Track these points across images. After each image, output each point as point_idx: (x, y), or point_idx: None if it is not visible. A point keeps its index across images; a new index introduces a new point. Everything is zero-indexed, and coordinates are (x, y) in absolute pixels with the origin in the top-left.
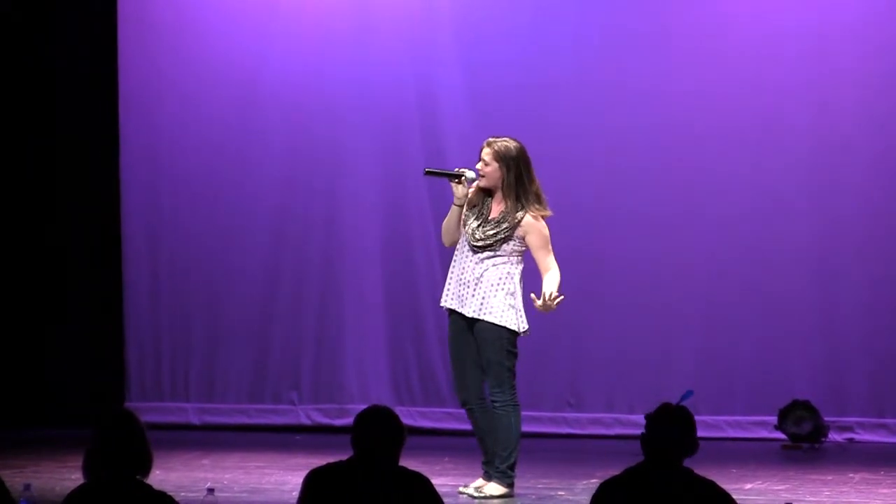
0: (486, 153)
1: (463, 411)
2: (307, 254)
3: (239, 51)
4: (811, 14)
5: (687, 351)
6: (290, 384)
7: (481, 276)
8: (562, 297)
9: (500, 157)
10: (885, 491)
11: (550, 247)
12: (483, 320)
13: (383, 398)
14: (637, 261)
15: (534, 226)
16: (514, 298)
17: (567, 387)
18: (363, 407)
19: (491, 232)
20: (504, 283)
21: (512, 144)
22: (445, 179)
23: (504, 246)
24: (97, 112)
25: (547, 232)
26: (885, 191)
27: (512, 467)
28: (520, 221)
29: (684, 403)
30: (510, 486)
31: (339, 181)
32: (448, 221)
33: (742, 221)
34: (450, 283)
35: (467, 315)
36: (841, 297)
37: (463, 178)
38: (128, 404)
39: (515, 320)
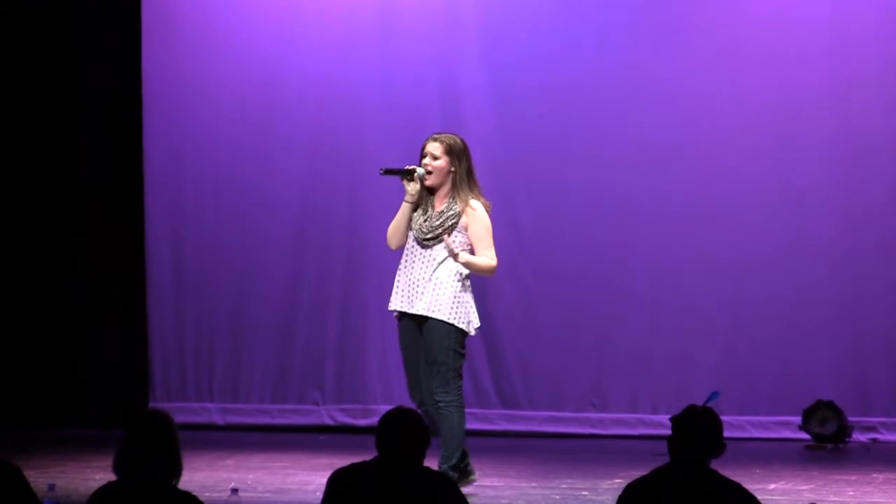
0: (435, 147)
1: (485, 411)
2: (330, 254)
3: (262, 51)
4: (832, 9)
5: (710, 351)
6: (313, 384)
7: (433, 272)
8: (457, 254)
9: (450, 150)
10: None
11: (491, 240)
12: (432, 318)
13: (406, 398)
14: (661, 260)
15: (476, 215)
16: (464, 296)
17: (591, 387)
18: (386, 407)
19: (437, 222)
20: (454, 282)
21: (458, 139)
22: (398, 178)
23: (450, 238)
24: (121, 112)
25: (489, 223)
26: None
27: (455, 468)
28: (464, 210)
29: (711, 405)
30: None
31: (361, 181)
32: (398, 221)
33: (766, 220)
34: (398, 285)
35: (417, 313)
36: (865, 297)
37: (415, 174)
38: (152, 404)
39: (464, 319)
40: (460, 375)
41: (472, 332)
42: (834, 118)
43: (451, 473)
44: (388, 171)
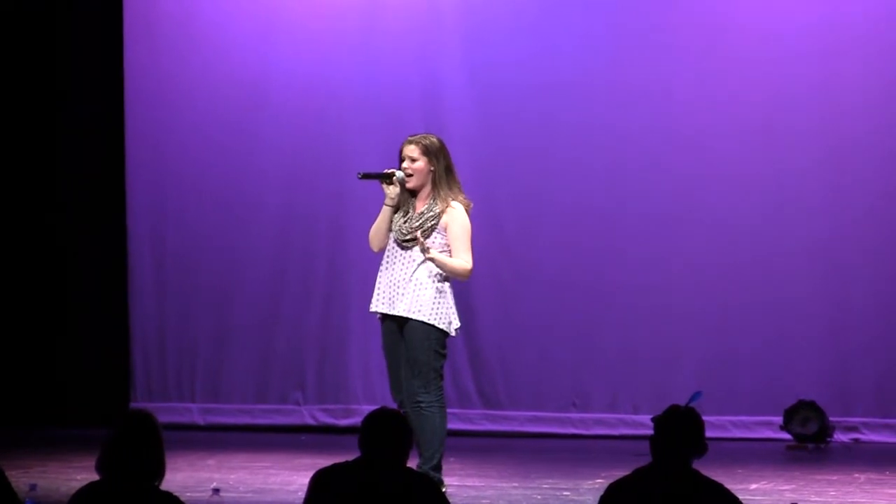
0: (412, 150)
1: (466, 411)
2: (312, 254)
3: (245, 51)
4: (819, 13)
5: (692, 351)
6: (295, 384)
7: (413, 274)
8: (427, 255)
9: (427, 151)
10: (890, 491)
11: (469, 242)
12: (413, 319)
13: (388, 399)
14: (643, 261)
15: (455, 215)
16: (444, 297)
17: (572, 387)
18: (368, 407)
19: (416, 224)
20: (434, 282)
21: (434, 139)
22: (377, 182)
23: (430, 239)
24: (103, 112)
25: (469, 225)
26: (893, 191)
27: (437, 468)
28: (444, 210)
29: (693, 405)
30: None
31: (344, 181)
32: (379, 223)
33: (748, 221)
34: (379, 287)
35: (397, 314)
36: (846, 298)
37: (394, 177)
38: (133, 404)
39: (444, 320)
40: (441, 376)
41: (453, 333)
42: (819, 121)
43: (433, 474)
44: (366, 176)
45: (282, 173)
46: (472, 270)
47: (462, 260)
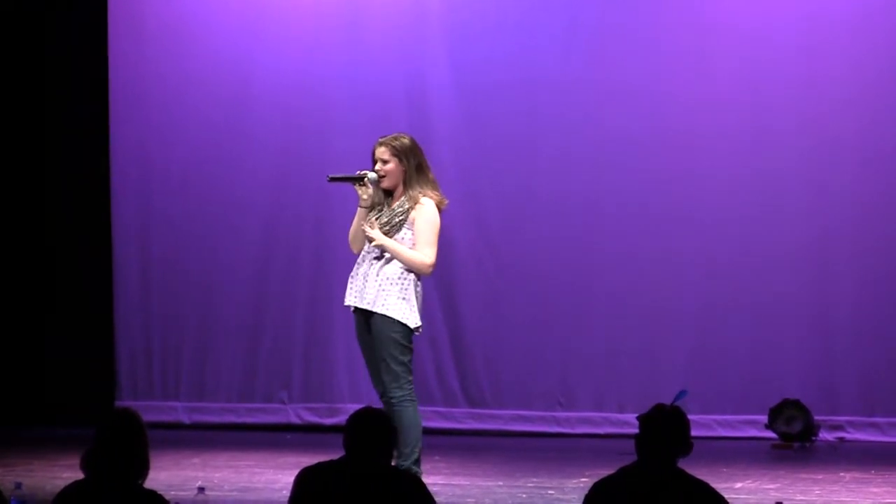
0: (383, 152)
1: (451, 410)
2: (298, 253)
3: (230, 49)
4: (804, 12)
5: (678, 350)
6: (280, 383)
7: (381, 269)
8: (373, 239)
9: (398, 152)
10: (875, 490)
11: (433, 238)
12: (377, 313)
13: (373, 397)
14: (628, 259)
15: (422, 210)
16: (409, 293)
17: (557, 386)
18: (353, 406)
19: (385, 219)
20: (401, 279)
21: (405, 139)
22: (350, 185)
23: (399, 235)
24: (87, 111)
25: (436, 220)
26: (877, 190)
27: (416, 462)
28: (413, 206)
29: (678, 404)
30: None
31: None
32: (356, 226)
33: (733, 220)
34: (352, 281)
35: (364, 308)
36: (831, 297)
37: (366, 179)
38: (118, 403)
39: (408, 315)
40: (410, 370)
41: (415, 329)
42: (804, 120)
43: (413, 468)
44: (334, 179)
45: (267, 173)
46: (433, 266)
47: (421, 253)
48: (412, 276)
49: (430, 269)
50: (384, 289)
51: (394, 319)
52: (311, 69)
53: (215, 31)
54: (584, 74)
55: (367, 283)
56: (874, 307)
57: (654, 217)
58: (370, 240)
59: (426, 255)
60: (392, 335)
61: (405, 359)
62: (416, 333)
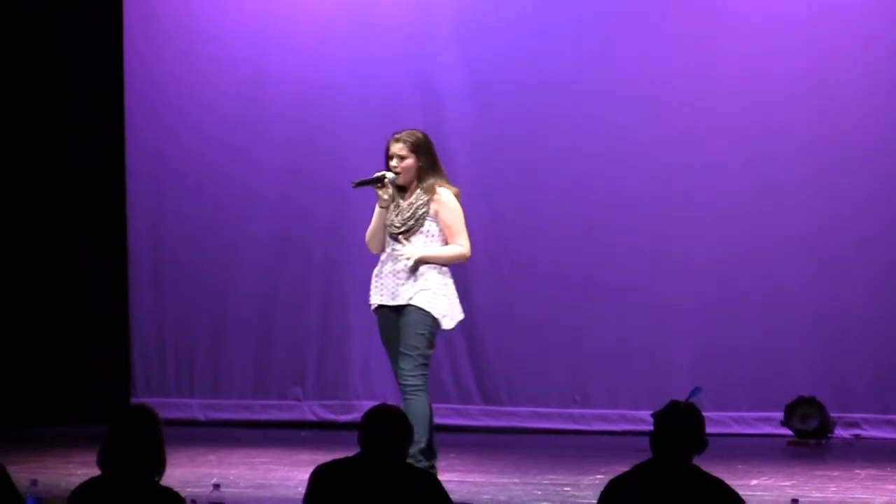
0: (400, 148)
1: (466, 407)
2: (311, 250)
3: (243, 48)
4: (808, 9)
5: (692, 347)
6: (294, 380)
7: (412, 265)
8: (409, 259)
9: (414, 147)
10: (891, 487)
11: (462, 226)
12: (410, 305)
13: (387, 394)
14: (640, 257)
15: (444, 201)
16: (444, 289)
17: (572, 383)
18: (368, 403)
19: (408, 214)
20: (435, 275)
21: (420, 134)
22: (371, 188)
23: (424, 228)
24: (102, 110)
25: (459, 208)
26: (886, 185)
27: (423, 451)
28: (432, 197)
29: (693, 400)
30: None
31: (342, 177)
32: (374, 225)
33: (747, 216)
34: (378, 280)
35: (398, 304)
36: (846, 293)
37: (385, 179)
38: (133, 400)
39: (441, 311)
40: (427, 364)
41: (450, 326)
42: (810, 116)
43: (419, 457)
44: (360, 183)
45: (280, 170)
46: (470, 251)
47: (458, 245)
48: (445, 270)
49: (469, 255)
50: (419, 285)
51: (427, 313)
52: (325, 68)
53: (228, 30)
54: (596, 73)
55: (400, 279)
56: (889, 303)
57: (667, 215)
58: (409, 261)
59: (462, 245)
60: (421, 327)
61: (428, 352)
62: (444, 328)
